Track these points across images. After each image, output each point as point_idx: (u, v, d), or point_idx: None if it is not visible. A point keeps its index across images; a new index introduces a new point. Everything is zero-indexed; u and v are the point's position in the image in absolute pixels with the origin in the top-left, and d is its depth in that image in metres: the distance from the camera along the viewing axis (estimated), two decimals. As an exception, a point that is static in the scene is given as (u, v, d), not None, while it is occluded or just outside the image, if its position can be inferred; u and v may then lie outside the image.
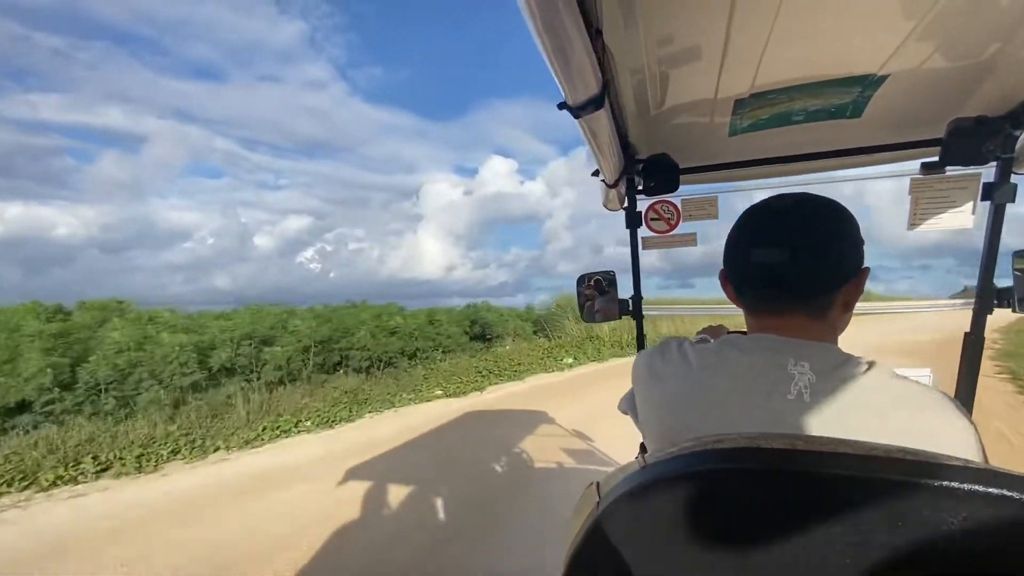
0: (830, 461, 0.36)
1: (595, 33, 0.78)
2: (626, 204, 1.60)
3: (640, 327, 1.63)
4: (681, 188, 1.63)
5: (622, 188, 1.49)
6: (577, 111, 0.85)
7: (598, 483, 0.57)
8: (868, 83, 1.14)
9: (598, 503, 0.48)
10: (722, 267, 0.74)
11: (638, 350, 1.63)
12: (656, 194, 1.48)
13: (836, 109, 1.28)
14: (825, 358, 0.60)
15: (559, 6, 0.62)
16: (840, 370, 0.58)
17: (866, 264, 0.66)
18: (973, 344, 1.36)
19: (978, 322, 1.35)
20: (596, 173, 1.39)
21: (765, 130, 1.38)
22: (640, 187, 1.51)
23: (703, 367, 0.66)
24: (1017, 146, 1.24)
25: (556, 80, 0.77)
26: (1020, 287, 1.28)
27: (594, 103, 0.83)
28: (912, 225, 1.36)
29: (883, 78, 1.11)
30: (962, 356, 1.38)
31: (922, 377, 1.37)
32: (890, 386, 0.57)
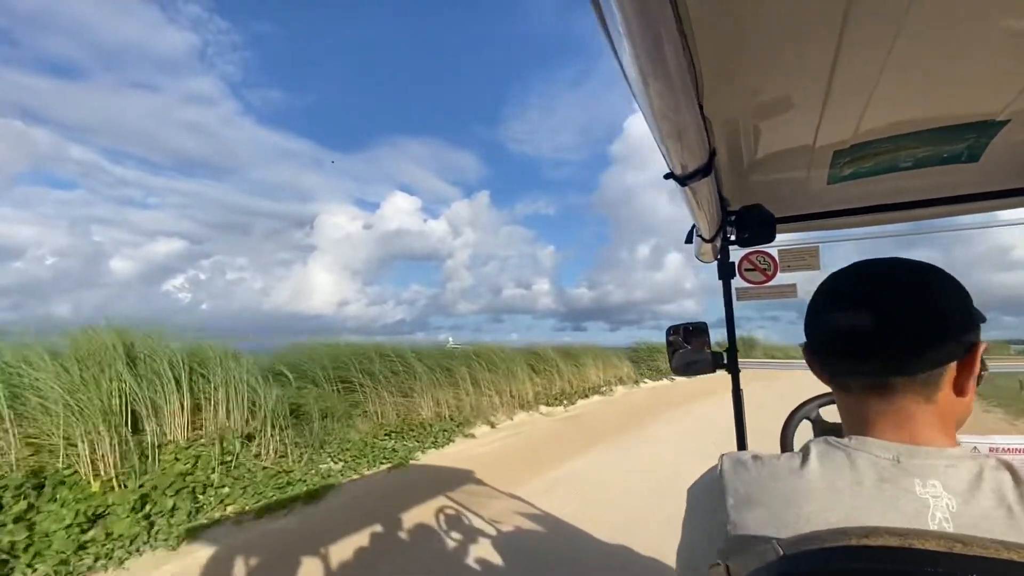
0: (993, 567, 0.33)
1: (700, 107, 0.83)
2: (719, 256, 1.59)
3: (736, 381, 1.57)
4: (779, 238, 1.61)
5: (717, 241, 1.49)
6: (685, 180, 0.88)
7: (727, 566, 0.50)
8: (986, 128, 1.09)
9: None
10: (805, 341, 0.66)
11: (735, 405, 1.56)
12: (750, 245, 1.47)
13: (949, 155, 1.23)
14: (959, 471, 0.51)
15: (677, 90, 0.66)
16: (981, 486, 0.49)
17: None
18: None
19: None
20: (690, 236, 1.40)
21: (869, 178, 1.35)
22: (733, 238, 1.50)
23: (796, 496, 0.52)
24: None
25: (664, 155, 0.82)
26: None
27: (702, 171, 0.87)
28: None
29: (1004, 122, 1.06)
30: None
31: None
32: None
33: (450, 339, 14.07)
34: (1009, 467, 0.51)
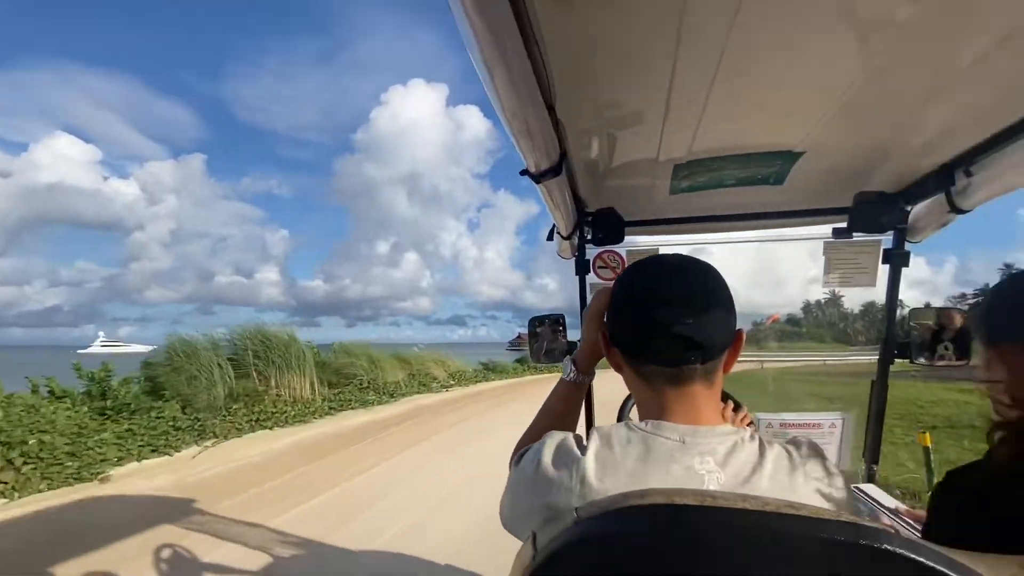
0: (731, 514, 0.41)
1: (550, 109, 0.86)
2: (576, 253, 1.68)
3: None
4: (628, 239, 1.75)
5: (575, 239, 1.57)
6: (538, 178, 0.90)
7: (535, 534, 0.58)
8: (788, 156, 1.28)
9: (534, 556, 0.52)
10: (605, 331, 0.71)
11: (586, 403, 1.68)
12: (603, 244, 1.57)
13: (762, 177, 1.43)
14: (722, 444, 0.60)
15: (521, 89, 0.68)
16: (737, 455, 0.59)
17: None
18: (879, 391, 1.52)
19: (883, 371, 1.51)
20: (551, 234, 1.46)
21: (702, 191, 1.51)
22: (589, 237, 1.60)
23: (599, 472, 0.58)
24: (910, 219, 1.43)
25: (520, 153, 0.83)
26: (916, 341, 1.45)
27: (553, 171, 0.89)
28: (826, 283, 1.52)
29: (801, 153, 1.26)
30: (870, 401, 1.53)
31: (838, 421, 1.50)
32: (773, 456, 0.59)
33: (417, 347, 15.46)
34: (760, 441, 0.62)
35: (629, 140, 1.21)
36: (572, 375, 0.94)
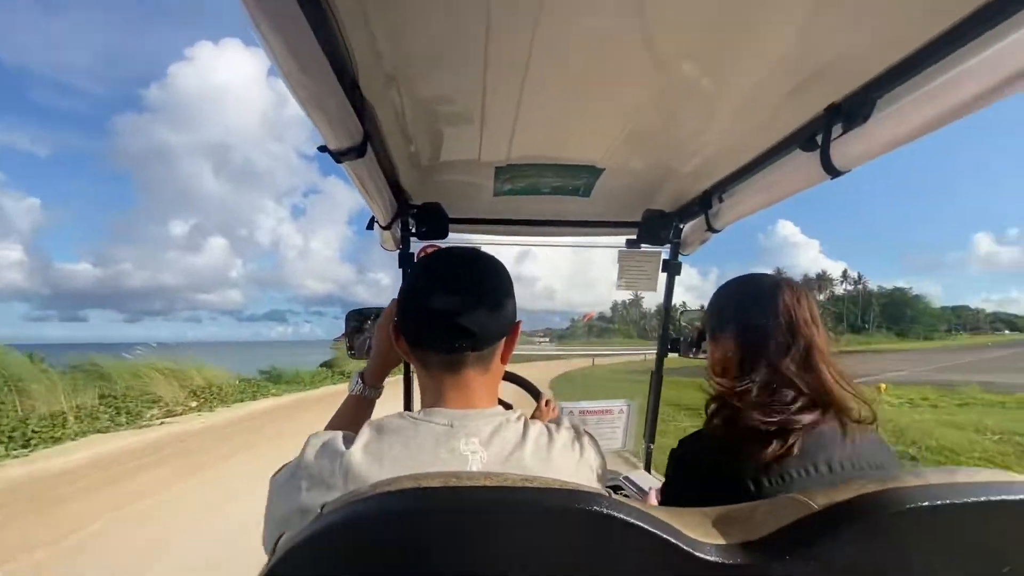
0: (475, 492, 0.42)
1: (351, 85, 0.82)
2: (400, 246, 1.64)
3: (408, 368, 1.66)
4: (455, 236, 1.77)
5: (397, 231, 1.53)
6: (338, 156, 0.85)
7: (279, 537, 0.55)
8: (593, 172, 1.43)
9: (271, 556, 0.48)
10: (395, 320, 0.72)
11: (405, 390, 1.65)
12: (427, 239, 1.57)
13: (572, 188, 1.57)
14: (488, 425, 0.63)
15: (308, 60, 0.63)
16: (500, 434, 0.63)
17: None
18: (656, 382, 1.79)
19: (659, 364, 1.78)
20: (371, 223, 1.40)
21: (522, 196, 1.61)
22: (413, 230, 1.58)
23: (363, 465, 0.57)
24: (682, 234, 1.72)
25: (315, 126, 0.77)
26: (685, 338, 1.74)
27: (355, 151, 0.85)
28: (619, 287, 1.74)
29: (602, 169, 1.42)
30: (650, 390, 1.79)
31: (621, 407, 1.72)
32: (534, 434, 0.64)
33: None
34: (525, 421, 0.67)
35: (452, 137, 1.23)
36: (359, 388, 0.92)
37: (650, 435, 1.81)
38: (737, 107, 1.03)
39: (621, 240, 1.80)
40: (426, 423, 0.62)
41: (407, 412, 0.65)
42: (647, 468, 1.79)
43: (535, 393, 1.50)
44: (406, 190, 1.45)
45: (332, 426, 0.87)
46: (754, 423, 0.69)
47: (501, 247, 1.81)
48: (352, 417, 0.90)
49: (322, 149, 0.84)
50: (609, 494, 0.43)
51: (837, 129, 0.91)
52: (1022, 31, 0.58)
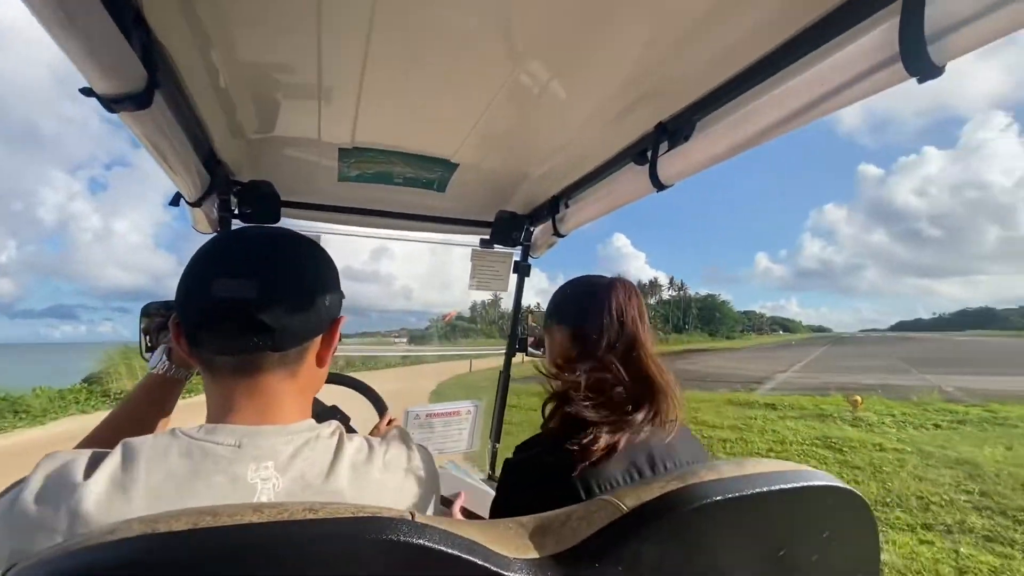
0: (229, 533, 0.33)
1: (133, 17, 0.65)
2: (219, 228, 1.40)
3: None
4: (291, 222, 1.57)
5: (213, 210, 1.30)
6: (110, 104, 0.66)
7: None
8: (447, 166, 1.39)
9: None
10: (175, 316, 0.58)
11: None
12: (252, 222, 1.36)
13: (426, 181, 1.50)
14: (290, 444, 0.52)
15: None
16: (305, 455, 0.52)
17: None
18: (504, 380, 1.81)
19: (507, 363, 1.81)
20: (177, 198, 1.16)
21: (371, 184, 1.49)
22: (236, 211, 1.36)
23: (102, 503, 0.43)
24: (533, 237, 1.76)
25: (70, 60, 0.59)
26: (531, 337, 1.78)
27: (134, 100, 0.67)
28: (471, 286, 1.72)
29: (456, 164, 1.37)
30: (497, 390, 1.81)
31: (470, 407, 1.70)
32: (351, 452, 0.55)
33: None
34: (340, 436, 0.56)
35: (286, 109, 1.08)
36: (163, 366, 0.76)
37: (496, 435, 1.82)
38: (583, 118, 1.08)
39: (476, 239, 1.79)
40: (204, 443, 0.49)
41: (181, 429, 0.51)
42: (491, 468, 1.79)
43: (380, 407, 1.40)
44: (226, 163, 1.24)
45: (111, 422, 0.69)
46: (586, 416, 0.70)
47: (351, 241, 1.67)
48: (148, 402, 0.73)
49: (86, 92, 0.64)
50: (413, 515, 0.38)
51: (664, 146, 0.99)
52: (813, 69, 0.67)
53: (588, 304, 0.82)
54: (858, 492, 0.52)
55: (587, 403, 0.71)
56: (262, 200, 1.34)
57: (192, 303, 0.54)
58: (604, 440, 0.68)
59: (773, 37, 0.73)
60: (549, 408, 0.78)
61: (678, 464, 0.74)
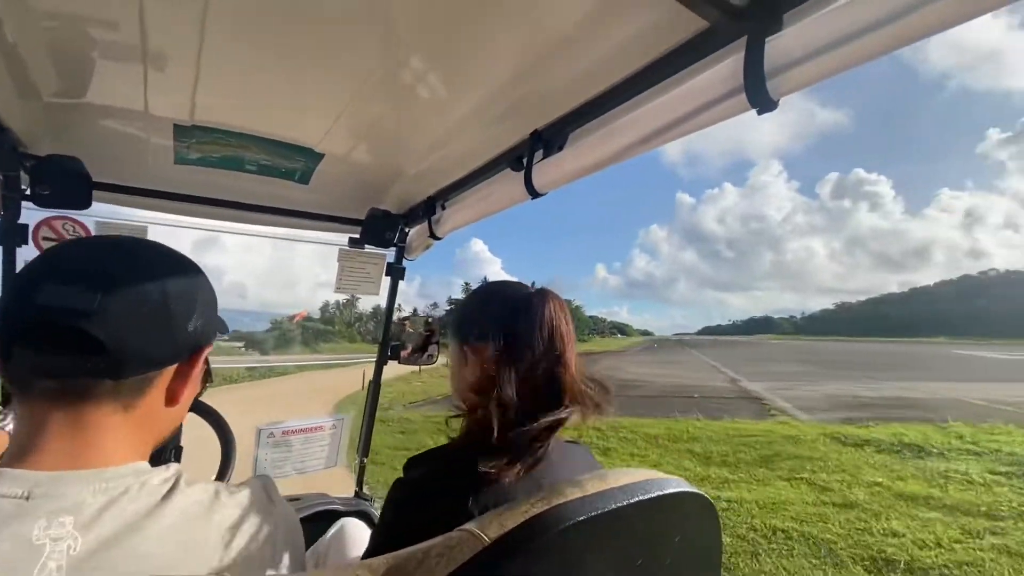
0: None
1: None
2: (2, 212, 1.11)
3: None
4: (107, 209, 1.30)
5: None
6: None
7: None
8: (311, 156, 1.26)
9: None
10: None
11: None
12: (52, 206, 1.10)
13: (287, 171, 1.35)
14: (102, 495, 0.42)
15: None
16: (121, 506, 0.42)
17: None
18: (374, 390, 1.70)
19: (378, 371, 1.70)
20: None
21: (218, 169, 1.30)
22: (28, 191, 1.09)
23: None
24: (408, 239, 1.69)
25: None
26: (407, 344, 1.70)
27: None
28: (338, 288, 1.59)
29: (321, 155, 1.26)
30: (366, 401, 1.69)
31: (338, 422, 1.57)
32: (184, 503, 0.45)
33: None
34: (176, 482, 0.46)
35: (98, 71, 0.88)
36: None
37: (364, 449, 1.71)
38: (459, 118, 1.05)
39: (341, 238, 1.66)
40: None
41: None
42: (359, 484, 1.67)
43: (226, 442, 1.23)
44: (12, 130, 0.98)
45: None
46: (506, 433, 0.64)
47: (179, 229, 1.44)
48: None
49: None
50: None
51: (539, 154, 1.01)
52: (671, 93, 0.72)
53: (519, 318, 0.73)
54: (704, 493, 0.56)
55: (506, 423, 0.65)
56: (66, 178, 1.08)
57: (11, 310, 0.43)
58: (521, 464, 0.63)
59: (637, 59, 0.78)
60: (462, 424, 0.72)
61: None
